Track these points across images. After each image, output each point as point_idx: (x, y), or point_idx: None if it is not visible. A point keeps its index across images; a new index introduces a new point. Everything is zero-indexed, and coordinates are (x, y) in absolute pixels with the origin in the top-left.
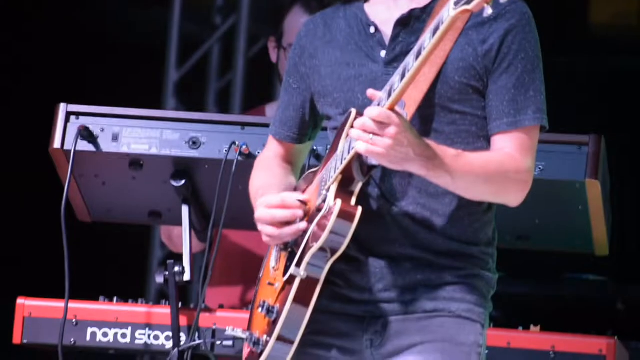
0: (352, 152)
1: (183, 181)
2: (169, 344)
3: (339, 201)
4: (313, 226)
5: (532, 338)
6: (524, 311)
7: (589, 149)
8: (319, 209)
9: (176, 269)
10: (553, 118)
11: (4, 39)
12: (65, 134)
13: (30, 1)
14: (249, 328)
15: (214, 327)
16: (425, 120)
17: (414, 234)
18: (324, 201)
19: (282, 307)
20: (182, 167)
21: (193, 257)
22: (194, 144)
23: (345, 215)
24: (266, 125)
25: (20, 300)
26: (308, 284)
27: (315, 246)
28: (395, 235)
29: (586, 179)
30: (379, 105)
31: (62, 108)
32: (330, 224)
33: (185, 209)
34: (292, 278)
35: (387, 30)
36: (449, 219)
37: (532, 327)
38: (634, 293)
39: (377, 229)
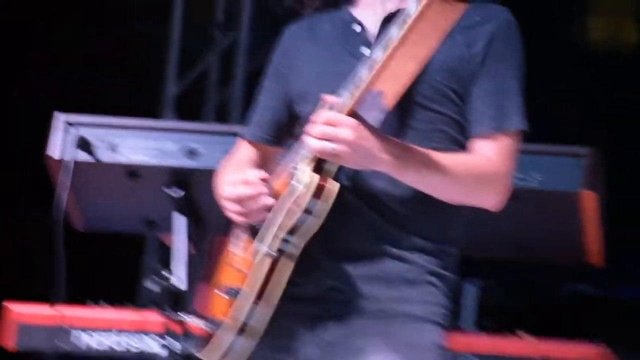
0: (311, 151)
1: (182, 192)
2: (163, 352)
3: (316, 176)
4: (285, 204)
5: (523, 345)
6: (515, 319)
7: (586, 161)
8: (290, 187)
9: (171, 278)
10: (552, 129)
11: (3, 43)
12: (63, 144)
13: (30, 13)
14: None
15: None
16: (402, 117)
17: (379, 229)
18: (294, 178)
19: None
20: (179, 178)
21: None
22: (192, 154)
23: (321, 191)
24: None
25: (8, 305)
26: (283, 262)
27: (289, 223)
28: (360, 231)
29: (582, 190)
30: (341, 98)
31: (61, 118)
32: (305, 200)
33: (181, 219)
34: (263, 258)
35: (373, 29)
36: (416, 215)
37: (522, 334)
38: (623, 300)
39: (342, 223)
